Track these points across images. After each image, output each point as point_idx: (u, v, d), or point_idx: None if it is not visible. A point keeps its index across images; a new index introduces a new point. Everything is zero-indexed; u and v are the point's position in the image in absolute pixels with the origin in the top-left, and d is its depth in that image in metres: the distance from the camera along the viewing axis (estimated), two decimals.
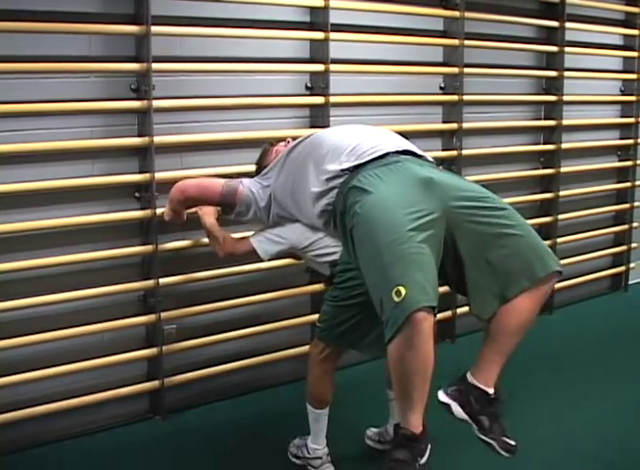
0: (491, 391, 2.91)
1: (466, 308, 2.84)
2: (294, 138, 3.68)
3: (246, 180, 3.36)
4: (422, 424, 2.75)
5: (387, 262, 2.63)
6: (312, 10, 4.41)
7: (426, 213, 2.68)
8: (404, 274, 2.59)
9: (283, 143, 3.68)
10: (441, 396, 2.97)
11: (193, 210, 3.85)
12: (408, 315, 2.52)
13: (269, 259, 3.78)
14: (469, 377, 2.93)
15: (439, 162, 5.01)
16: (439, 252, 2.72)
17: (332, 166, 2.95)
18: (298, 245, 3.64)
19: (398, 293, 2.54)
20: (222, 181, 3.40)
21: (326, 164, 2.98)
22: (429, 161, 3.06)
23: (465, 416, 2.93)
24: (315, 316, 4.55)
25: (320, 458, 3.56)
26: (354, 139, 3.03)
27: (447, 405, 2.95)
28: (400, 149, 2.99)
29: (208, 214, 3.86)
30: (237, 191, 3.32)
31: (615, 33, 6.23)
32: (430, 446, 2.75)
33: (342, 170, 2.92)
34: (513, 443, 2.86)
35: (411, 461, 2.72)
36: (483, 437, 2.90)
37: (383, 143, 2.99)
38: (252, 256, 3.73)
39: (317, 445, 3.58)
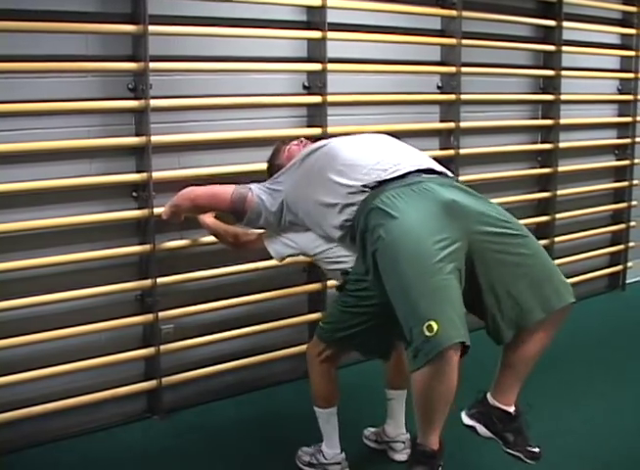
0: (512, 409, 3.02)
1: None
2: (307, 137, 3.70)
3: (255, 187, 3.36)
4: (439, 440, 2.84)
5: (417, 295, 2.66)
6: (309, 9, 4.40)
7: (451, 242, 2.71)
8: (436, 309, 2.63)
9: (296, 142, 3.66)
10: (465, 419, 3.12)
11: None
12: (440, 351, 2.58)
13: (280, 260, 3.75)
14: (489, 399, 3.04)
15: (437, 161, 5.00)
16: (463, 279, 2.75)
17: (352, 182, 2.96)
18: (309, 251, 3.60)
19: (430, 328, 2.59)
20: (231, 189, 3.40)
21: (345, 178, 2.98)
22: (449, 177, 3.07)
23: (490, 435, 3.05)
24: (312, 316, 4.57)
25: (339, 464, 3.49)
26: (374, 155, 3.04)
27: (472, 427, 3.09)
28: (422, 167, 2.99)
29: (207, 215, 3.86)
30: (246, 198, 3.33)
31: (612, 32, 6.23)
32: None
33: (363, 186, 2.92)
34: (537, 450, 3.02)
35: None
36: (510, 450, 3.03)
37: (404, 161, 3.00)
38: (264, 252, 3.70)
39: (334, 449, 3.50)
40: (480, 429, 3.07)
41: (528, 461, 3.01)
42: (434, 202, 2.79)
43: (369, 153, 3.06)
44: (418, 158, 3.09)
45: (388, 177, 2.91)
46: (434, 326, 2.58)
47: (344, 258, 3.46)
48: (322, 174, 3.07)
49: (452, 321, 2.62)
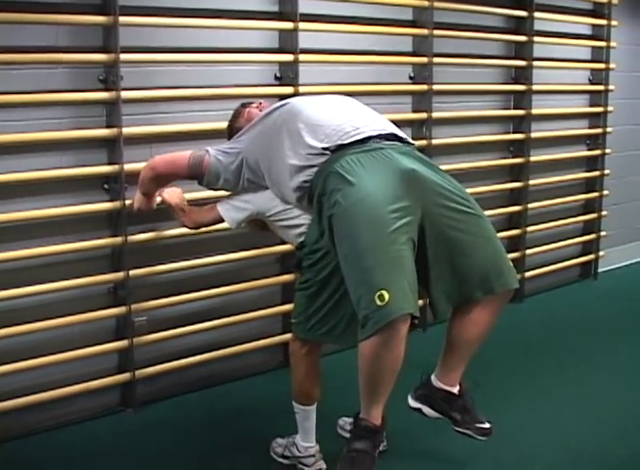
0: (455, 389, 3.07)
1: None
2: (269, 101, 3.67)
3: (212, 149, 3.35)
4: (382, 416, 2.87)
5: (370, 263, 2.66)
6: (281, 0, 4.40)
7: (407, 213, 2.71)
8: (388, 279, 2.63)
9: (255, 104, 3.64)
10: (411, 402, 3.18)
11: (159, 200, 3.81)
12: (390, 320, 2.59)
13: (236, 227, 3.65)
14: (434, 381, 3.10)
15: None
16: (415, 249, 2.76)
17: (313, 142, 2.94)
18: (265, 212, 3.51)
19: (382, 297, 2.60)
20: (189, 153, 3.40)
21: (306, 137, 2.96)
22: (410, 144, 3.06)
23: (437, 415, 3.11)
24: (286, 307, 4.56)
25: (313, 456, 3.48)
26: (337, 116, 3.02)
27: (419, 409, 3.15)
28: (384, 132, 2.98)
29: (173, 196, 3.80)
30: (203, 161, 3.33)
31: (583, 23, 6.27)
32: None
33: (323, 149, 2.90)
34: (487, 425, 3.06)
35: (371, 451, 2.85)
36: (459, 429, 3.08)
37: (365, 125, 2.98)
38: (220, 223, 3.65)
39: (309, 442, 3.48)
40: (426, 410, 3.12)
41: (479, 437, 3.06)
42: (394, 170, 2.79)
43: (331, 113, 3.04)
44: (380, 122, 3.07)
45: (349, 141, 2.89)
46: (386, 296, 2.59)
47: (300, 219, 3.42)
48: (282, 132, 3.05)
49: (404, 292, 2.63)
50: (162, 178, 3.66)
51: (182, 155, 3.45)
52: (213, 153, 3.33)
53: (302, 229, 3.43)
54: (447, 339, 3.04)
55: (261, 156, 3.18)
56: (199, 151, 3.38)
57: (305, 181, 2.95)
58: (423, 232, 2.78)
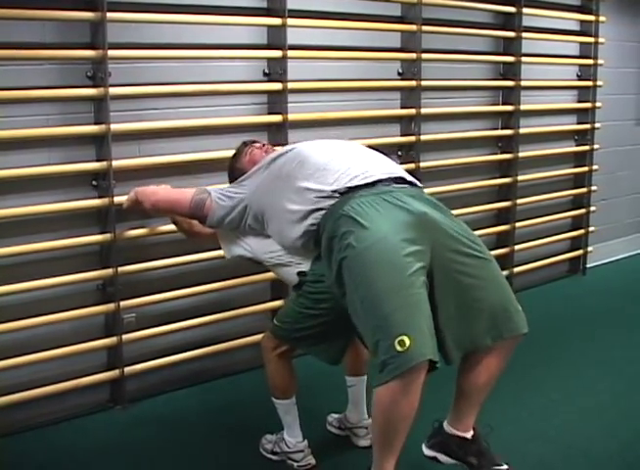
0: (469, 434, 3.04)
1: None
2: (276, 146, 3.66)
3: (214, 192, 3.30)
4: None
5: (390, 308, 2.63)
6: None
7: (421, 257, 2.69)
8: (409, 324, 2.61)
9: (258, 145, 3.63)
10: (426, 450, 3.14)
11: None
12: (410, 367, 2.57)
13: (230, 257, 3.74)
14: (447, 428, 3.07)
15: (398, 147, 5.02)
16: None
17: (321, 186, 2.92)
18: (262, 256, 3.61)
19: (402, 343, 2.57)
20: (190, 195, 3.33)
21: (314, 182, 2.94)
22: (418, 186, 3.06)
23: (454, 461, 3.08)
24: (275, 303, 4.57)
25: (302, 451, 3.48)
26: (344, 160, 3.00)
27: (434, 458, 3.12)
28: (392, 176, 2.97)
29: None
30: (205, 204, 3.28)
31: (571, 19, 6.28)
32: None
33: (332, 191, 2.89)
34: (504, 467, 3.04)
35: None
36: None
37: (374, 168, 2.97)
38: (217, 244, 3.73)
39: (296, 437, 3.49)
40: (442, 458, 3.10)
41: None
42: (405, 213, 2.77)
43: (338, 158, 3.02)
44: (387, 165, 3.06)
45: (358, 183, 2.88)
46: (407, 341, 2.55)
47: (301, 261, 3.46)
48: (290, 180, 3.02)
49: (424, 336, 2.60)
50: (160, 212, 3.74)
51: (183, 196, 3.39)
52: (215, 196, 3.26)
53: (304, 267, 3.45)
54: (458, 386, 3.02)
55: (266, 204, 3.13)
56: (201, 192, 3.31)
57: (312, 224, 2.93)
58: (431, 276, 2.74)
